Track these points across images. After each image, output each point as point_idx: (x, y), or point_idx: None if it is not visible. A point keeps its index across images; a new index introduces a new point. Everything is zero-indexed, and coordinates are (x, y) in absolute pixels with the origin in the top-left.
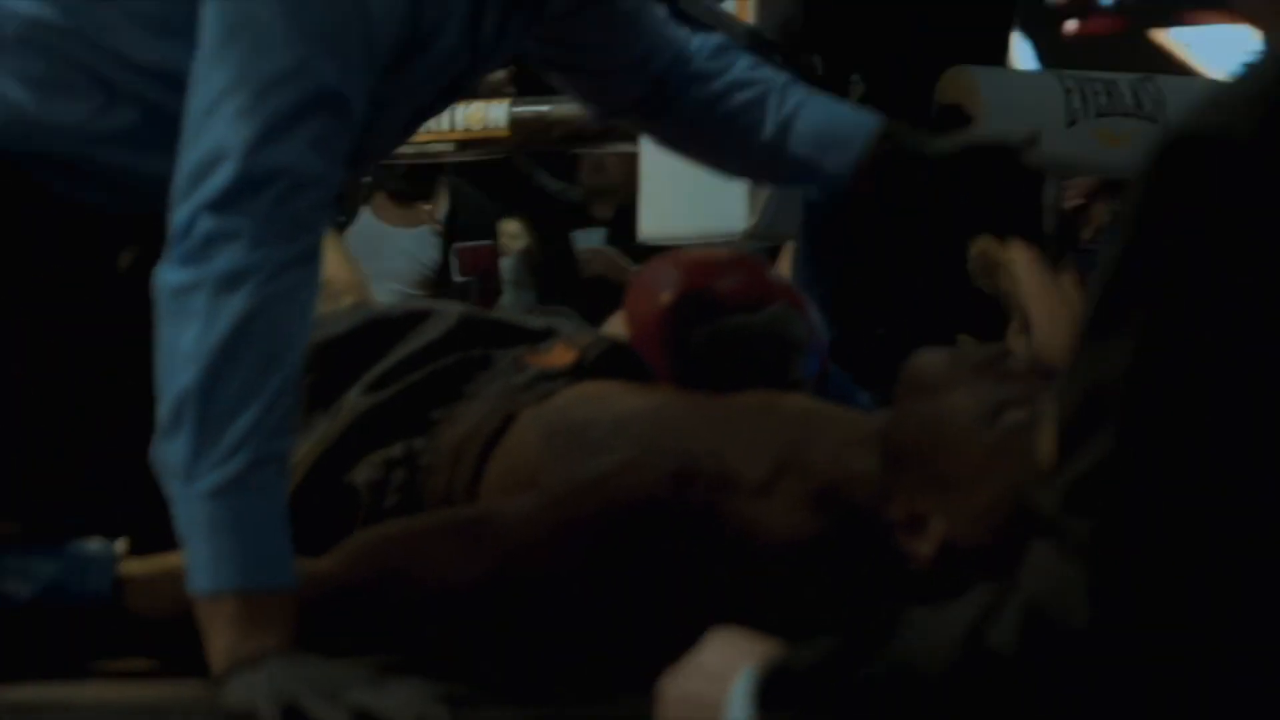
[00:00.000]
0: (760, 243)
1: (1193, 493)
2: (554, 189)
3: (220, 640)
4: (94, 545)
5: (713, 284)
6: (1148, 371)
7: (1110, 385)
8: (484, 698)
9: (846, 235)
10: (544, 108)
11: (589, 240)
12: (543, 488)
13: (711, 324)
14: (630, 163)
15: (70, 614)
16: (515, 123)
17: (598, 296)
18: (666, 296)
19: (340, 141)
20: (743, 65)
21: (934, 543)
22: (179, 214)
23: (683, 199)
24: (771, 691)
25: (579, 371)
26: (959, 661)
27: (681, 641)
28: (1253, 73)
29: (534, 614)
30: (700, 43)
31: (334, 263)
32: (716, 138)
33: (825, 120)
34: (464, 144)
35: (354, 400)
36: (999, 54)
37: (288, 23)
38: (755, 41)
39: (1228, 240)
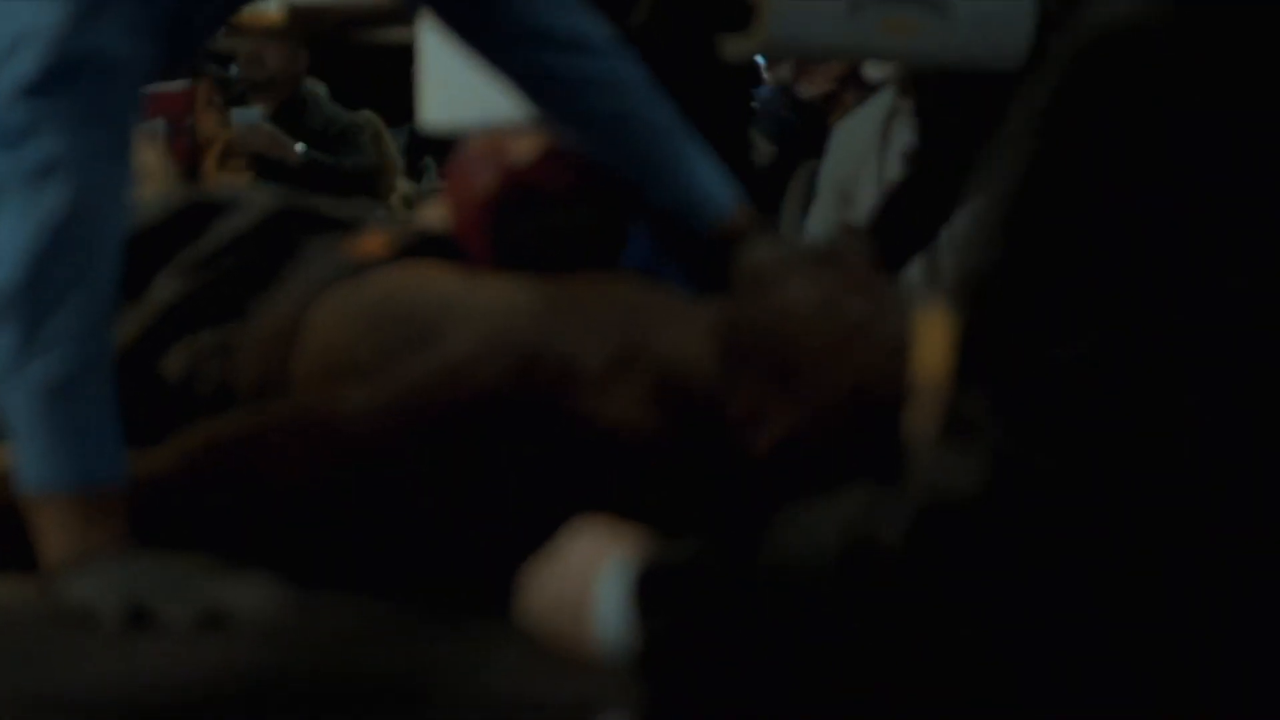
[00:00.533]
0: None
1: (1108, 387)
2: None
3: (53, 539)
4: None
5: (534, 174)
6: (1082, 280)
7: (1033, 287)
8: (326, 587)
9: None
10: None
11: (247, 118)
12: (381, 382)
13: (535, 218)
14: (288, 56)
15: None
16: (292, 11)
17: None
18: (488, 187)
19: (152, 21)
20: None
21: (773, 435)
22: None
23: (465, 86)
24: (643, 590)
25: (390, 257)
26: (846, 555)
27: (527, 537)
28: None
29: (378, 511)
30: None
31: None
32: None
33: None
34: (236, 30)
35: (165, 284)
36: None
37: None
38: None
39: (1152, 136)
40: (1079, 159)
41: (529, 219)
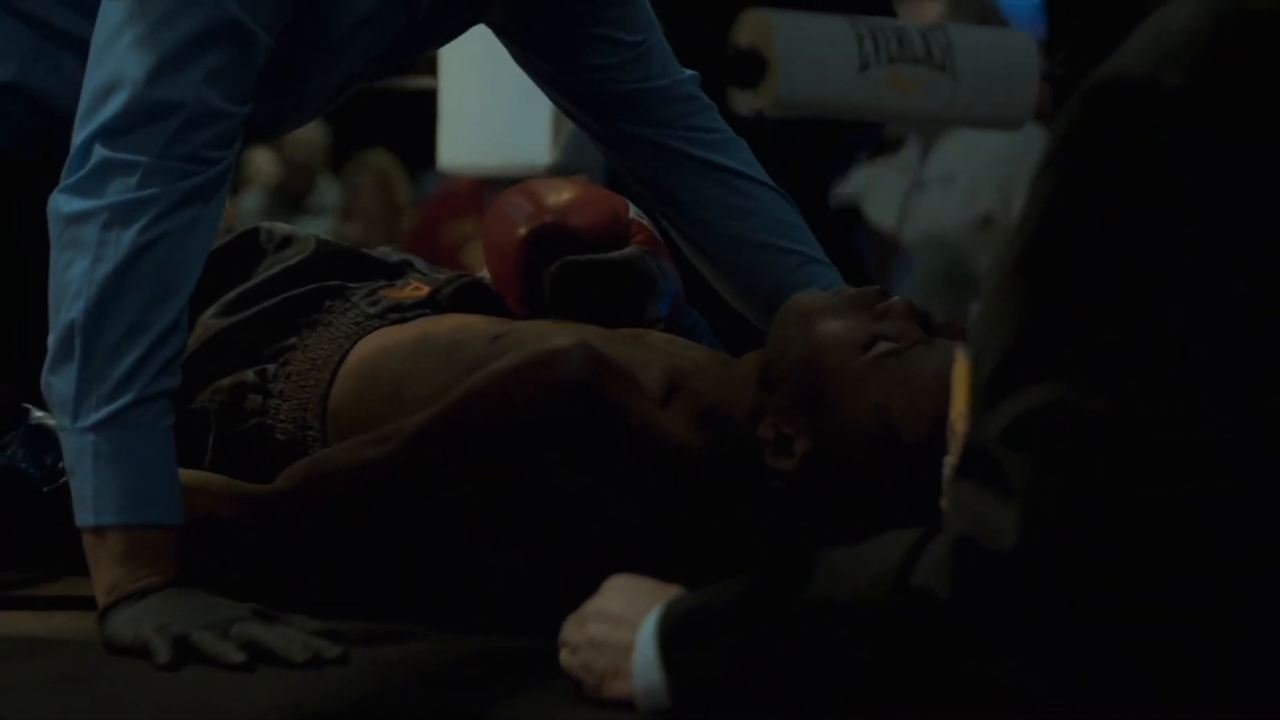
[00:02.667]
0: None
1: (1130, 434)
2: None
3: (104, 574)
4: None
5: (569, 218)
6: (1090, 320)
7: (1048, 331)
8: (371, 635)
9: None
10: None
11: None
12: (450, 392)
13: (565, 258)
14: None
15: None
16: None
17: None
18: (522, 229)
19: (242, 75)
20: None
21: (798, 459)
22: (76, 141)
23: (484, 130)
24: (681, 634)
25: (433, 304)
26: (887, 601)
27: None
28: (1176, 16)
29: (452, 512)
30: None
31: None
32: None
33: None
34: None
35: (208, 322)
36: None
37: None
38: None
39: (1158, 188)
40: (1091, 205)
41: (558, 259)
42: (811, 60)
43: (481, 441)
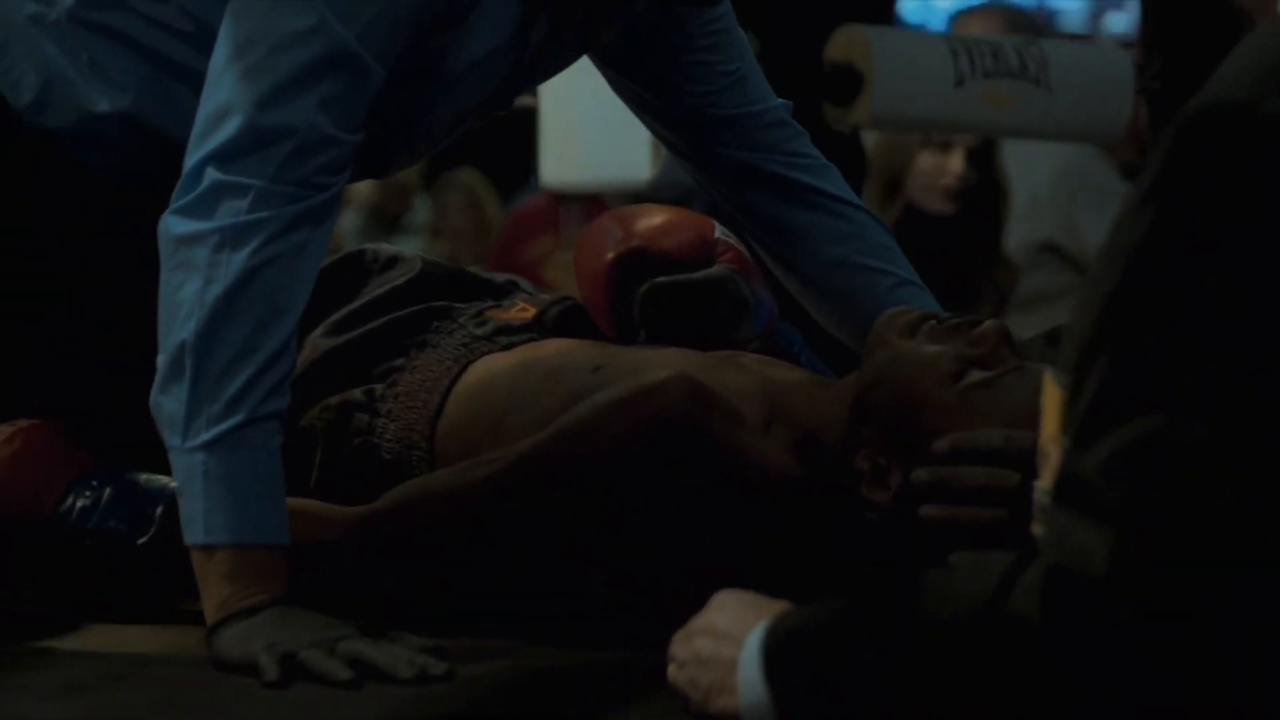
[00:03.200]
0: (662, 194)
1: (1230, 464)
2: None
3: (214, 593)
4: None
5: (657, 241)
6: (1191, 352)
7: (1150, 363)
8: (474, 653)
9: None
10: None
11: None
12: (556, 423)
13: (651, 281)
14: None
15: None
16: None
17: None
18: (609, 254)
19: (355, 103)
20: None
21: (892, 491)
22: (188, 164)
23: (584, 147)
24: (785, 652)
25: (539, 327)
26: (983, 625)
27: (692, 563)
28: (1273, 40)
29: (555, 540)
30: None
31: None
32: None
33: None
34: None
35: (316, 341)
36: (887, 13)
37: None
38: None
39: (1260, 215)
40: (1192, 234)
41: (645, 281)
42: (907, 76)
43: (584, 473)
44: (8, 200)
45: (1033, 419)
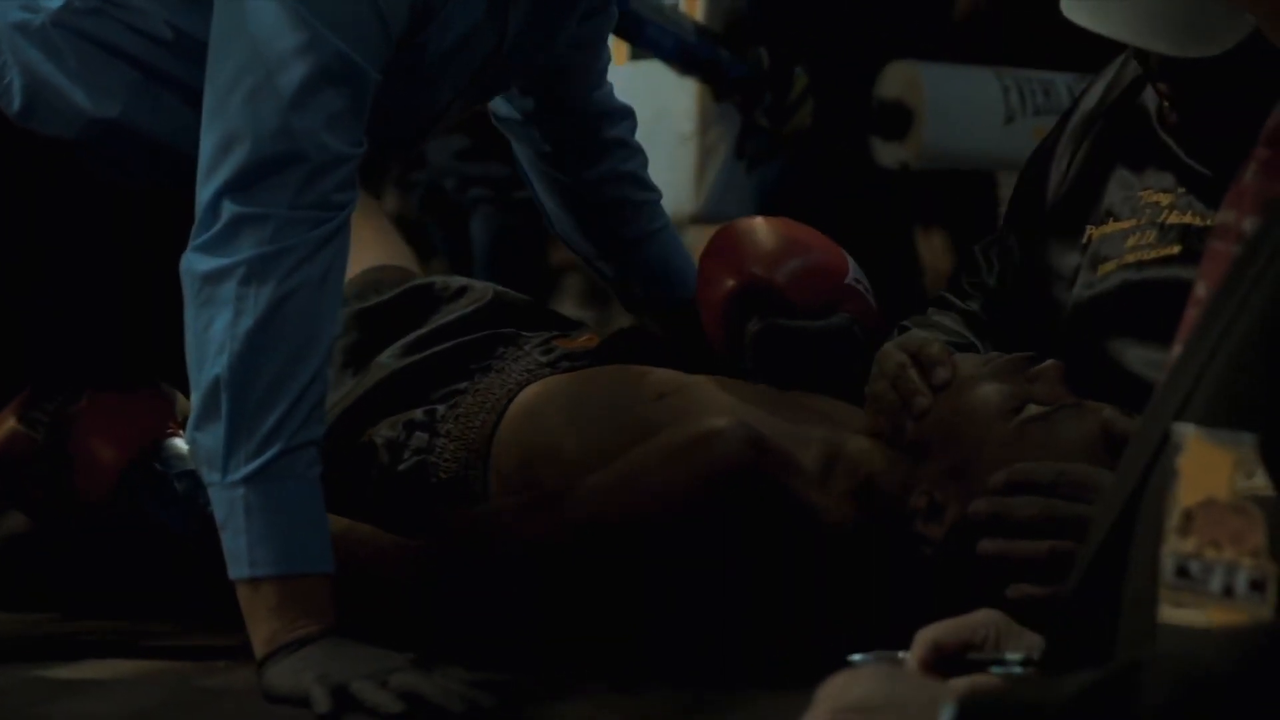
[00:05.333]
0: (706, 225)
1: None
2: None
3: (262, 627)
4: None
5: (776, 276)
6: None
7: None
8: (524, 686)
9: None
10: None
11: None
12: (613, 466)
13: (766, 321)
14: None
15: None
16: None
17: None
18: (730, 283)
19: (358, 115)
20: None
21: (947, 526)
22: (202, 197)
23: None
24: None
25: (603, 353)
26: (1184, 690)
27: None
28: None
29: (613, 585)
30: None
31: (382, 239)
32: (578, 200)
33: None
34: None
35: (382, 363)
36: (940, 49)
37: (295, 2)
38: (703, 36)
39: None
40: None
41: (760, 320)
42: (957, 112)
43: (639, 520)
44: (6, 199)
45: (1088, 454)
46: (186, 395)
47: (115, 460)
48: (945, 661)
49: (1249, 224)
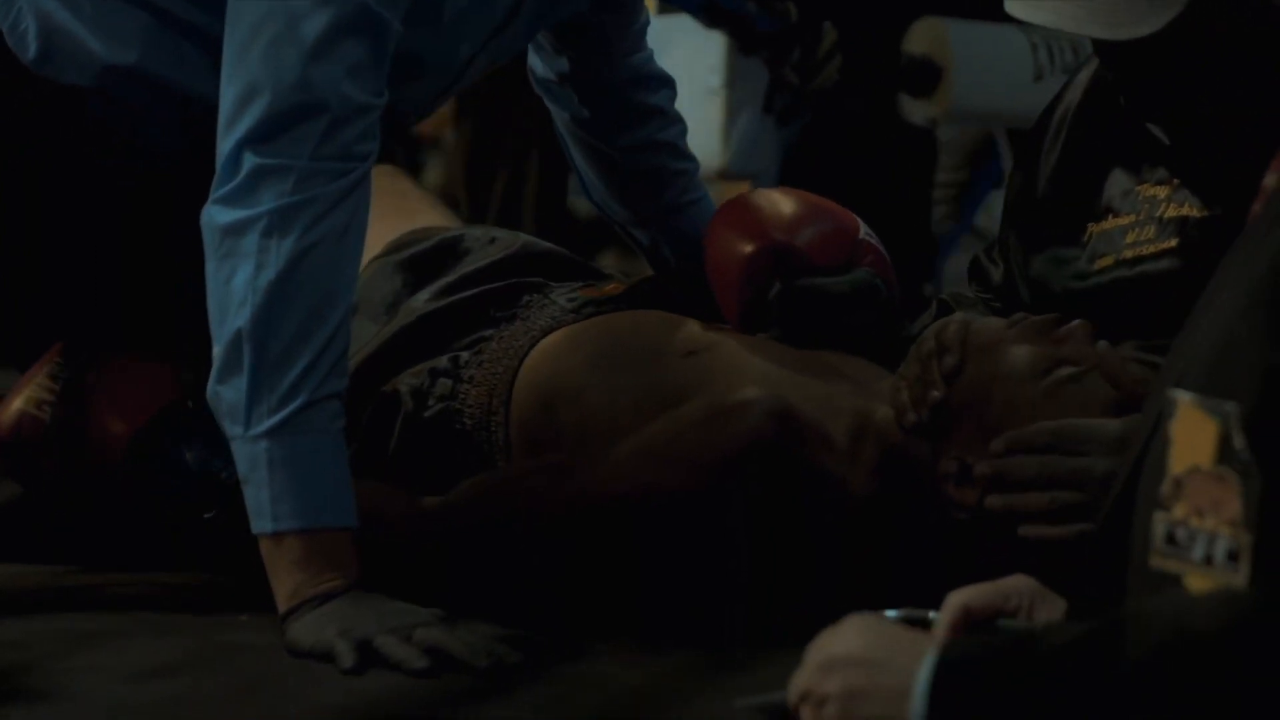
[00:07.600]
0: (732, 180)
1: None
2: None
3: (285, 581)
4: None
5: (794, 238)
6: None
7: None
8: (548, 643)
9: (823, 176)
10: None
11: None
12: (636, 437)
13: (787, 282)
14: None
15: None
16: None
17: None
18: (747, 248)
19: (379, 65)
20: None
21: (978, 489)
22: (223, 149)
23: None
24: (954, 686)
25: (627, 300)
26: (1166, 650)
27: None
28: None
29: (635, 554)
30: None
31: (428, 206)
32: (616, 163)
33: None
34: None
35: (410, 306)
36: (968, 6)
37: None
38: None
39: None
40: None
41: (781, 281)
42: (986, 69)
43: (664, 491)
44: (22, 148)
45: (1119, 413)
46: (206, 353)
47: (124, 430)
48: (975, 626)
49: (1272, 179)
